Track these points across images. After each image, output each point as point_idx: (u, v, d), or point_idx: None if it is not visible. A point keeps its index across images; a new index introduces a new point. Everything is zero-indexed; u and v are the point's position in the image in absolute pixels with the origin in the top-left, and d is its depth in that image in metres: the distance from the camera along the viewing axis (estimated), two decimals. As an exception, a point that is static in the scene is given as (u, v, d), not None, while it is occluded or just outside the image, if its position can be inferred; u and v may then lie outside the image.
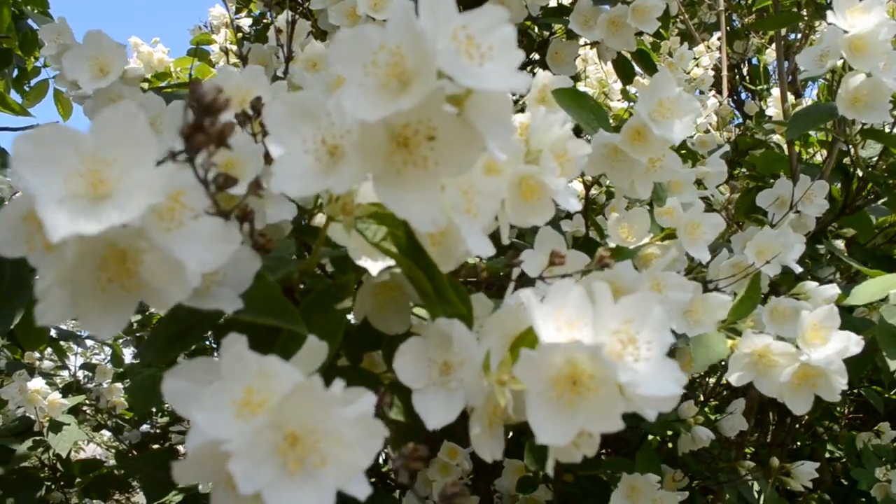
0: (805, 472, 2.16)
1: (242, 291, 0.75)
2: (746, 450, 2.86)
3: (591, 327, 0.73)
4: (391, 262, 0.88)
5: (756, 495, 2.42)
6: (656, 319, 0.73)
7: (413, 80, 0.66)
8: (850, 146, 2.20)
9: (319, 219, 1.21)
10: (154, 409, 3.96)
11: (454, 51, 0.63)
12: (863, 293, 1.86)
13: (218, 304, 0.72)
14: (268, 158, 0.99)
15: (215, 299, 0.72)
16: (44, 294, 0.63)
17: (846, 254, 2.40)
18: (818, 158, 3.25)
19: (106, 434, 4.31)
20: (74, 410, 3.35)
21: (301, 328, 0.74)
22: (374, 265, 0.87)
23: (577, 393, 0.68)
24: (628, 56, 2.46)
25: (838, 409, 3.44)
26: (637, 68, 2.58)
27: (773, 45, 4.01)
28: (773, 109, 3.14)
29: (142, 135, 0.61)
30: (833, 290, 1.71)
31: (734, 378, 1.41)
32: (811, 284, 1.72)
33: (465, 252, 0.87)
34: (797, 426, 3.13)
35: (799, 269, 1.81)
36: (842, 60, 1.80)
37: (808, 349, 1.31)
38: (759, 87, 4.18)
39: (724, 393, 2.90)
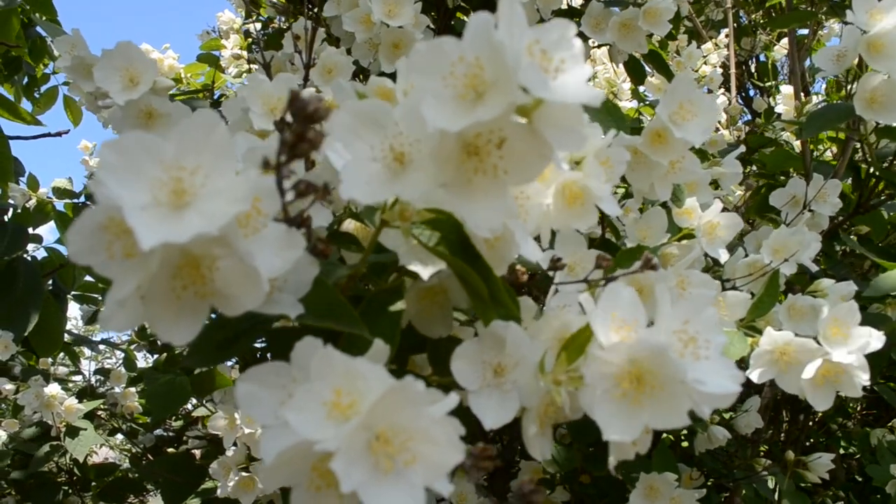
0: (822, 465, 2.17)
1: (302, 296, 0.77)
2: (761, 447, 2.87)
3: (644, 327, 0.75)
4: (440, 267, 0.90)
5: (771, 492, 2.44)
6: (711, 319, 0.75)
7: (489, 91, 0.68)
8: (865, 145, 2.21)
9: (348, 224, 1.22)
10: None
11: (534, 65, 0.65)
12: (882, 284, 1.88)
13: (281, 309, 0.73)
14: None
15: (277, 305, 0.74)
16: (122, 302, 0.65)
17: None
18: (828, 155, 3.27)
19: (119, 437, 4.34)
20: (90, 415, 3.38)
21: (363, 331, 0.75)
22: (425, 270, 0.89)
23: (642, 391, 0.70)
24: (639, 57, 2.48)
25: (851, 405, 3.46)
26: (647, 69, 2.60)
27: (781, 42, 4.04)
28: (782, 107, 3.14)
29: (222, 142, 0.63)
30: (850, 286, 1.72)
31: (755, 375, 1.43)
32: (828, 281, 1.73)
33: (515, 256, 0.89)
34: (810, 423, 3.14)
35: (815, 268, 1.82)
36: (857, 59, 1.82)
37: (830, 345, 1.32)
38: (767, 84, 4.19)
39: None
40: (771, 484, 2.49)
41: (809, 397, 1.33)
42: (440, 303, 1.00)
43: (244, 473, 2.02)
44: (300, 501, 0.66)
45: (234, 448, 2.09)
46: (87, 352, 4.36)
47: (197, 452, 3.30)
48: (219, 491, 2.05)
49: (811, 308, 1.53)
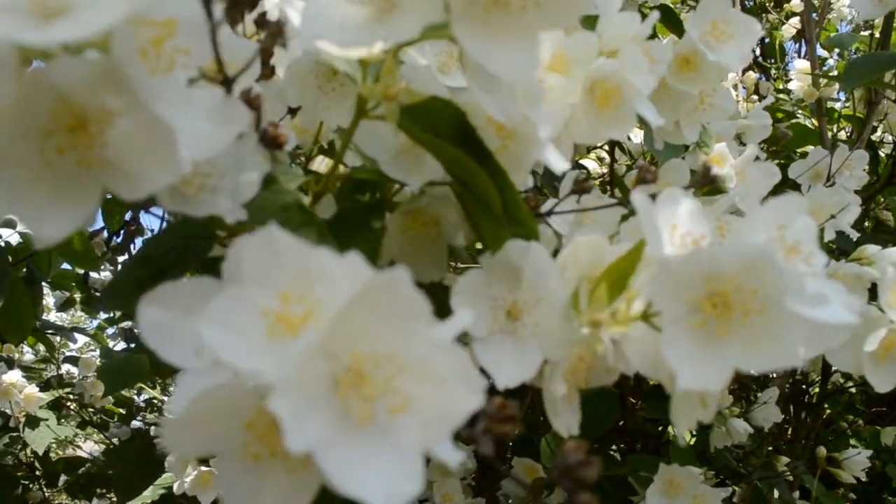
0: (857, 463, 1.97)
1: (245, 201, 0.56)
2: (768, 446, 2.70)
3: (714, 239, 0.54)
4: (433, 177, 0.68)
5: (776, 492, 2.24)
6: (809, 229, 0.54)
7: None
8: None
9: (319, 162, 1.02)
10: (143, 405, 3.76)
11: None
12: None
13: (213, 209, 0.52)
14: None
15: (208, 204, 0.53)
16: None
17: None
18: (842, 135, 3.10)
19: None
20: (57, 405, 3.16)
21: (330, 243, 0.54)
22: (413, 180, 0.67)
23: (729, 317, 0.49)
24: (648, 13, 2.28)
25: (860, 402, 3.29)
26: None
27: (789, 21, 3.86)
28: (795, 82, 2.96)
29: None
30: (901, 251, 1.52)
31: (802, 351, 1.22)
32: (873, 248, 1.52)
33: (534, 162, 0.67)
34: (818, 422, 2.97)
35: (855, 234, 1.63)
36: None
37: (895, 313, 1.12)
38: (772, 64, 4.00)
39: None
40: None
41: (869, 375, 1.11)
42: (432, 236, 0.78)
43: (203, 468, 1.78)
44: (231, 477, 0.43)
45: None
46: (71, 343, 4.14)
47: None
48: (175, 486, 1.82)
49: (856, 277, 1.32)
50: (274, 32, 0.50)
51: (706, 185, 0.68)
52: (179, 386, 0.44)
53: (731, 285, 0.48)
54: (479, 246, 0.84)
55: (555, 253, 0.71)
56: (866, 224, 2.55)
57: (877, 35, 2.64)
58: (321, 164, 1.02)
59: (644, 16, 2.01)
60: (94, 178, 0.45)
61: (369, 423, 0.38)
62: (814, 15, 3.42)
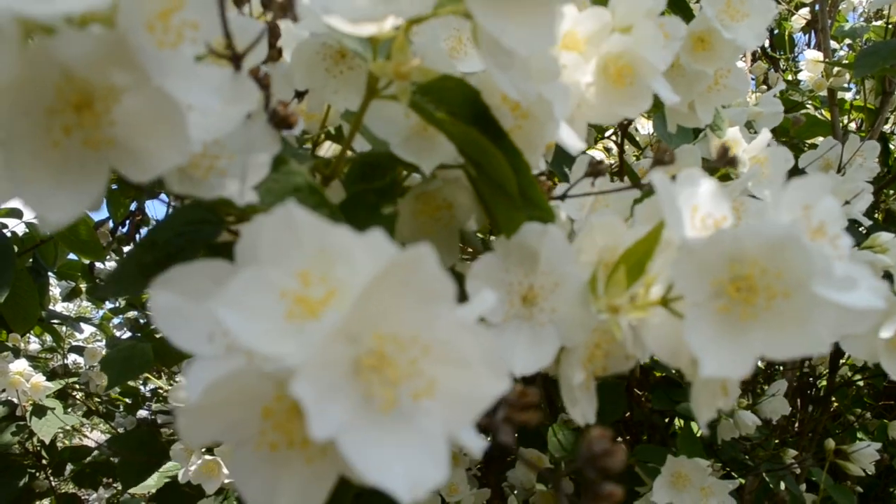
0: (866, 455, 1.94)
1: (255, 183, 0.54)
2: (774, 439, 2.68)
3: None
4: (445, 159, 0.66)
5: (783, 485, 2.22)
6: (835, 209, 0.52)
7: None
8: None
9: (326, 148, 1.00)
10: (149, 395, 3.77)
11: None
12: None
13: (222, 192, 0.51)
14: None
15: (216, 187, 0.52)
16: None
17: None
18: (851, 126, 3.07)
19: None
20: (63, 395, 3.15)
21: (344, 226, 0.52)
22: (426, 161, 0.66)
23: (753, 302, 0.47)
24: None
25: (867, 396, 3.27)
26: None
27: (799, 12, 3.82)
28: (806, 73, 2.93)
29: None
30: (918, 239, 1.49)
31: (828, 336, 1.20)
32: (887, 235, 1.50)
33: (548, 142, 0.66)
34: (825, 415, 2.95)
35: (867, 222, 1.60)
36: None
37: (911, 300, 1.10)
38: (781, 56, 3.97)
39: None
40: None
41: (884, 362, 1.10)
42: (444, 220, 0.77)
43: (208, 457, 1.76)
44: (247, 467, 0.42)
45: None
46: (78, 334, 4.14)
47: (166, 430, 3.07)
48: (180, 475, 1.81)
49: (869, 265, 1.31)
50: (282, 6, 0.48)
51: (724, 166, 0.66)
52: (192, 373, 0.43)
53: (755, 268, 0.47)
54: (490, 232, 0.83)
55: (569, 237, 0.69)
56: (876, 215, 2.53)
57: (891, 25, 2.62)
58: (328, 149, 1.00)
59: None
60: (101, 158, 0.44)
61: (393, 408, 0.37)
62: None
